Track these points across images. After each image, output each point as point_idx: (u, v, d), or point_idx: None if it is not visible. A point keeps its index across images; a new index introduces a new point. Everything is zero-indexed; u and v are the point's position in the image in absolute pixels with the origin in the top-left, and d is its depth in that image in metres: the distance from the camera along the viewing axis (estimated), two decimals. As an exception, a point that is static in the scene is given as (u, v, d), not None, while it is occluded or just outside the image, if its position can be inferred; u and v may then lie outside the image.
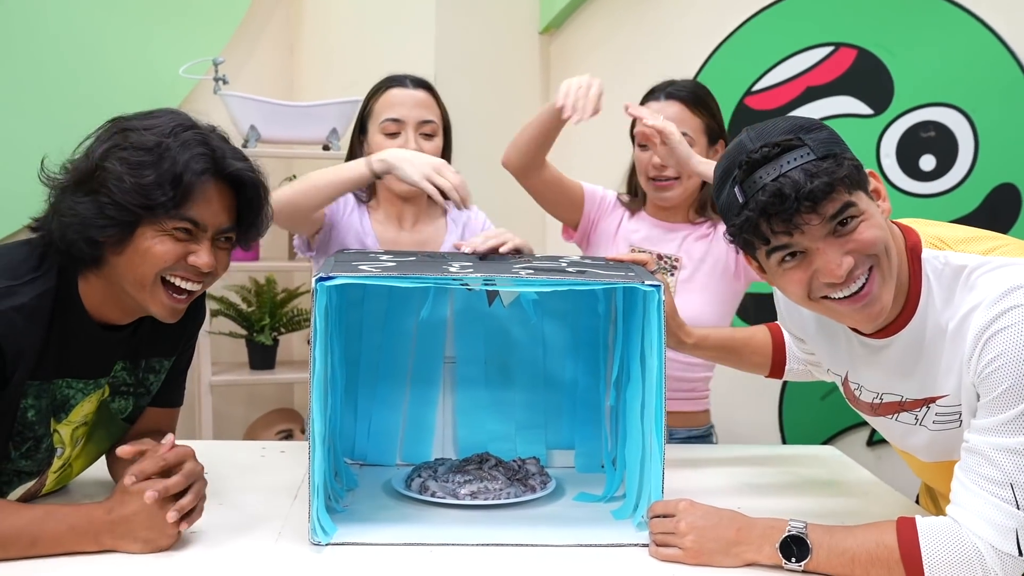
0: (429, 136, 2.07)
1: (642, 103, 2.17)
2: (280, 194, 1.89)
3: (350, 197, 2.07)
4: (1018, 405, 1.25)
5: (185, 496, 1.39)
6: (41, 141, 2.81)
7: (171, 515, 1.36)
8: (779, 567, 1.36)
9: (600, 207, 2.23)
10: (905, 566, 1.28)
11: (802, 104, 2.96)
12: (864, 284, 1.33)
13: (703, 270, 2.16)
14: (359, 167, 1.88)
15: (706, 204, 2.18)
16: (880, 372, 1.46)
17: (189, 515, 1.40)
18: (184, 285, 1.46)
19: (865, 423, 2.80)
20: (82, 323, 1.45)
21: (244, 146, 2.96)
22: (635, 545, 1.47)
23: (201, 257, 1.44)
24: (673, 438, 2.17)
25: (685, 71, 3.11)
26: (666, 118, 1.99)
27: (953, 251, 1.36)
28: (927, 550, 1.28)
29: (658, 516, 1.45)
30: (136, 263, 1.42)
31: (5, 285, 1.38)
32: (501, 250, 1.73)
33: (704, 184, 2.13)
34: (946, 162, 2.83)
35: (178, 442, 1.45)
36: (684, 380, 2.17)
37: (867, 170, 1.36)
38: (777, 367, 1.80)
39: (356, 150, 2.11)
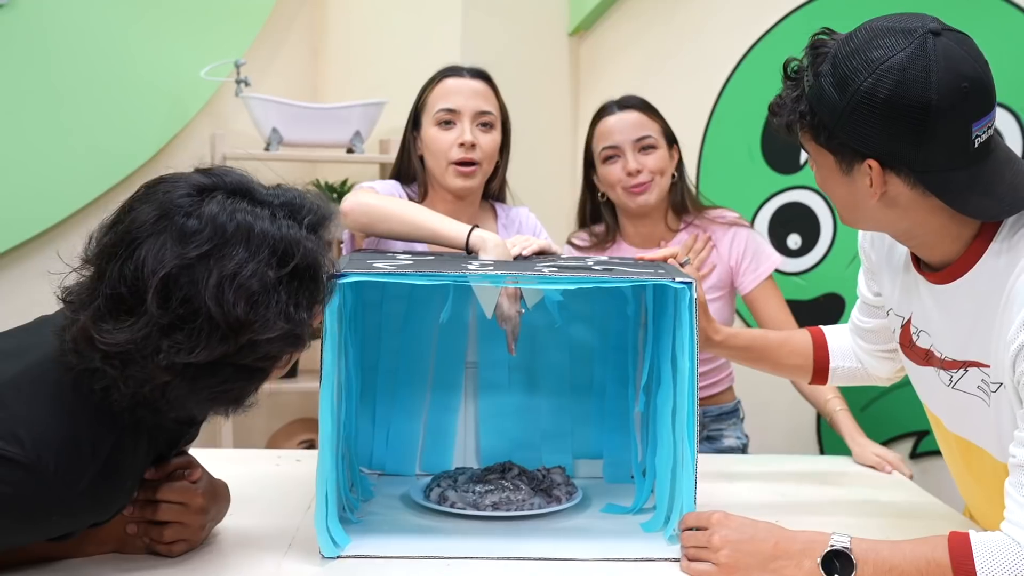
0: (487, 128, 1.95)
1: (593, 124, 2.24)
2: (364, 201, 1.76)
3: (404, 197, 1.95)
4: None
5: (156, 528, 1.34)
6: (63, 144, 2.83)
7: (129, 527, 1.34)
8: (821, 584, 1.27)
9: None
10: (959, 585, 1.19)
11: (840, 104, 2.87)
12: None
13: (708, 289, 2.17)
14: (460, 232, 1.67)
15: (681, 205, 2.24)
16: (928, 319, 1.39)
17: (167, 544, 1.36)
18: None
19: (910, 433, 2.71)
20: (167, 432, 1.34)
21: (266, 149, 2.91)
22: (666, 560, 1.39)
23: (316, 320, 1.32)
24: (706, 416, 2.23)
25: (718, 72, 3.04)
26: (626, 127, 2.16)
27: None
28: (983, 569, 1.18)
29: (690, 529, 1.36)
30: (278, 373, 1.30)
31: (106, 462, 1.20)
32: (524, 253, 1.66)
33: (674, 185, 2.22)
34: (992, 162, 2.73)
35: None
36: (709, 364, 2.23)
37: (868, 161, 1.26)
38: (820, 371, 1.69)
39: (409, 147, 2.00)
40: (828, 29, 1.31)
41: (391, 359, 1.81)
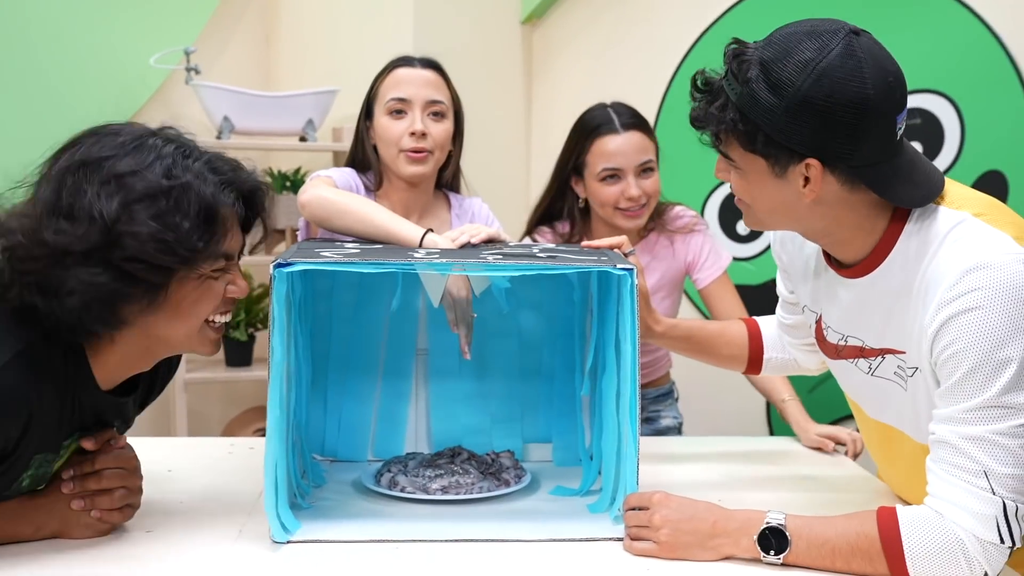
0: (438, 117, 1.95)
1: (588, 136, 2.17)
2: (323, 195, 1.77)
3: (360, 185, 1.96)
4: (980, 394, 1.21)
5: (104, 496, 1.38)
6: (7, 133, 2.79)
7: (75, 503, 1.37)
8: (757, 560, 1.31)
9: None
10: (887, 556, 1.24)
11: (787, 92, 2.91)
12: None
13: (662, 287, 2.23)
14: (414, 234, 1.67)
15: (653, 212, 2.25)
16: (846, 312, 1.44)
17: (120, 510, 1.39)
18: (224, 319, 1.39)
19: (852, 415, 2.77)
20: (92, 396, 1.35)
21: (218, 137, 2.91)
22: (610, 539, 1.42)
23: (239, 287, 1.38)
24: (644, 398, 2.28)
25: (669, 59, 3.08)
26: (631, 150, 2.13)
27: (945, 206, 1.31)
28: (908, 540, 1.24)
29: (633, 509, 1.40)
30: (179, 318, 1.33)
31: (8, 364, 1.23)
32: (473, 241, 1.68)
33: None
34: (932, 149, 2.79)
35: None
36: (652, 353, 2.29)
37: (806, 161, 1.28)
38: (754, 361, 1.75)
39: (362, 137, 2.00)
40: (737, 39, 1.34)
41: (342, 347, 1.82)
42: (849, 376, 1.49)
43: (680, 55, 3.03)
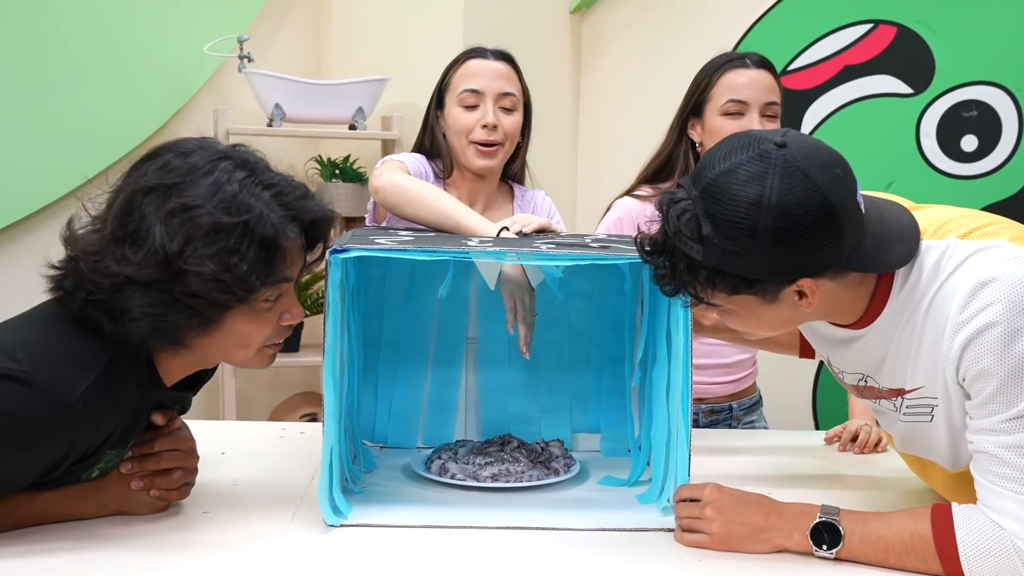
0: (509, 110, 1.96)
1: (716, 70, 2.07)
2: (398, 182, 1.76)
3: (429, 172, 1.96)
4: (1014, 405, 1.19)
5: (163, 476, 1.42)
6: (65, 119, 2.85)
7: (135, 483, 1.41)
8: (809, 554, 1.30)
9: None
10: (940, 556, 1.23)
11: (840, 83, 2.88)
12: None
13: None
14: (487, 230, 1.64)
15: None
16: (856, 360, 1.42)
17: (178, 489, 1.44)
18: (280, 340, 1.41)
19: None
20: (159, 394, 1.39)
21: (269, 125, 2.94)
22: (660, 530, 1.42)
23: (294, 313, 1.38)
24: (740, 408, 2.19)
25: (720, 50, 3.04)
26: (760, 87, 2.01)
27: (927, 239, 1.30)
28: (963, 540, 1.22)
29: (684, 500, 1.40)
30: (231, 345, 1.35)
31: (99, 376, 1.27)
32: (525, 230, 1.68)
33: None
34: (989, 142, 2.75)
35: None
36: (739, 362, 2.18)
37: (799, 282, 1.25)
38: (807, 346, 1.74)
39: (432, 125, 2.01)
40: (665, 195, 1.30)
41: (393, 334, 1.84)
42: (875, 409, 1.48)
43: (732, 45, 3.01)
